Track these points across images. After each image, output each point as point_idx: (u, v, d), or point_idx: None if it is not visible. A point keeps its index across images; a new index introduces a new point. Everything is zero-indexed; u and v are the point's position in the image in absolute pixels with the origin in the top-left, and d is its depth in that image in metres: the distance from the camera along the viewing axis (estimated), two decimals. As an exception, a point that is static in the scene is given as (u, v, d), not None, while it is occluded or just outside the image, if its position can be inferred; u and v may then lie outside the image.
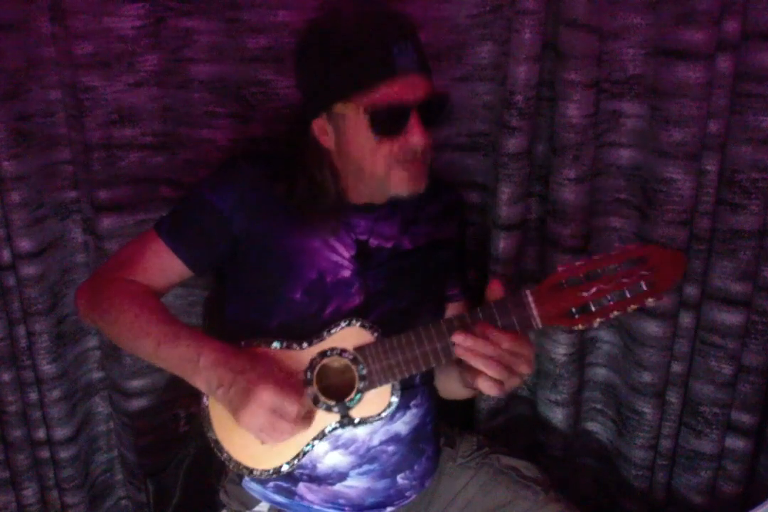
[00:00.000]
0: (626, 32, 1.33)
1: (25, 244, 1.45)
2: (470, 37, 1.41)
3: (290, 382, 1.10)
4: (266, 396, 1.06)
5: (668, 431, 1.52)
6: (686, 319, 1.44)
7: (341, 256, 1.23)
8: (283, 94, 1.41)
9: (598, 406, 1.64)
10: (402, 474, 1.29)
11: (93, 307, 1.24)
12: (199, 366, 1.09)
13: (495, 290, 1.11)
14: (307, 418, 1.11)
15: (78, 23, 1.34)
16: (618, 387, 1.57)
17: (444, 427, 1.42)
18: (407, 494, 1.31)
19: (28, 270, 1.47)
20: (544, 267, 1.50)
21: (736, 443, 1.50)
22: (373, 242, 1.25)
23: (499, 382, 1.08)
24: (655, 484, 1.57)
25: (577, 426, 1.62)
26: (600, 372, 1.61)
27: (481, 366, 1.07)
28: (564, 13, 1.29)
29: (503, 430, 1.59)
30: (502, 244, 1.44)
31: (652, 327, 1.42)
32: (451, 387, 1.33)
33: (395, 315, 1.25)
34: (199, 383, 1.11)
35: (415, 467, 1.31)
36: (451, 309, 1.37)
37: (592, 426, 1.66)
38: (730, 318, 1.41)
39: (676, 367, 1.47)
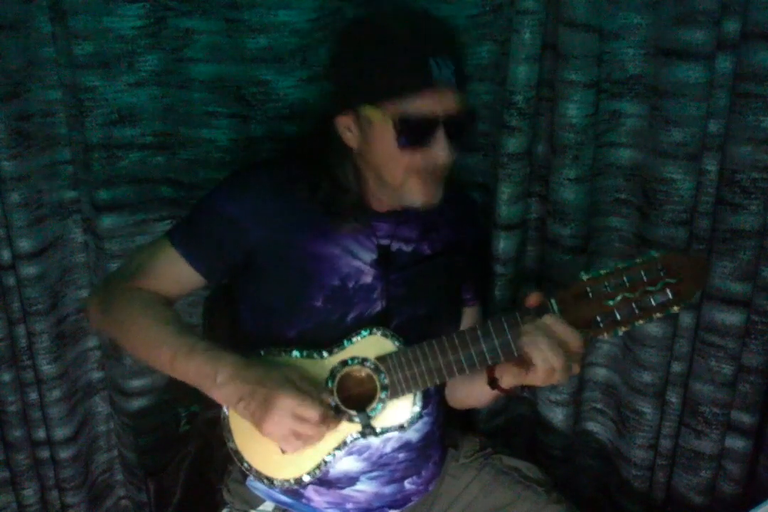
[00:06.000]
0: (626, 32, 1.33)
1: (25, 244, 1.45)
2: (470, 37, 1.41)
3: (308, 386, 1.09)
4: (286, 403, 1.05)
5: (668, 431, 1.52)
6: (686, 319, 1.43)
7: (363, 261, 1.22)
8: (283, 94, 1.41)
9: (598, 406, 1.64)
10: (410, 480, 1.30)
11: (105, 317, 1.23)
12: (216, 383, 1.09)
13: (533, 300, 1.11)
14: (329, 423, 1.09)
15: (78, 23, 1.34)
16: (618, 387, 1.57)
17: (447, 428, 1.42)
18: (412, 498, 1.31)
19: (28, 270, 1.47)
20: (544, 267, 1.50)
21: (736, 443, 1.50)
22: (395, 246, 1.24)
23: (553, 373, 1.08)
24: (655, 484, 1.57)
25: (577, 426, 1.62)
26: (600, 372, 1.60)
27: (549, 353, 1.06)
28: (564, 13, 1.29)
29: (504, 430, 1.59)
30: (502, 243, 1.44)
31: (652, 327, 1.42)
32: (472, 392, 1.32)
33: (416, 321, 1.24)
34: (218, 398, 1.11)
35: (423, 472, 1.31)
36: (466, 314, 1.36)
37: (592, 426, 1.66)
38: (730, 318, 1.41)
39: (676, 367, 1.47)
